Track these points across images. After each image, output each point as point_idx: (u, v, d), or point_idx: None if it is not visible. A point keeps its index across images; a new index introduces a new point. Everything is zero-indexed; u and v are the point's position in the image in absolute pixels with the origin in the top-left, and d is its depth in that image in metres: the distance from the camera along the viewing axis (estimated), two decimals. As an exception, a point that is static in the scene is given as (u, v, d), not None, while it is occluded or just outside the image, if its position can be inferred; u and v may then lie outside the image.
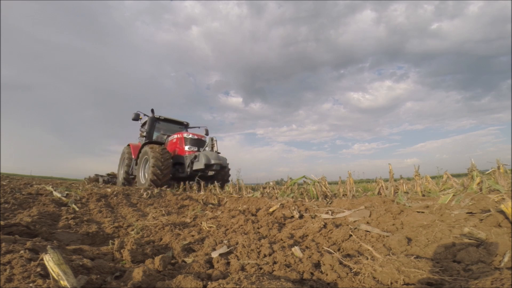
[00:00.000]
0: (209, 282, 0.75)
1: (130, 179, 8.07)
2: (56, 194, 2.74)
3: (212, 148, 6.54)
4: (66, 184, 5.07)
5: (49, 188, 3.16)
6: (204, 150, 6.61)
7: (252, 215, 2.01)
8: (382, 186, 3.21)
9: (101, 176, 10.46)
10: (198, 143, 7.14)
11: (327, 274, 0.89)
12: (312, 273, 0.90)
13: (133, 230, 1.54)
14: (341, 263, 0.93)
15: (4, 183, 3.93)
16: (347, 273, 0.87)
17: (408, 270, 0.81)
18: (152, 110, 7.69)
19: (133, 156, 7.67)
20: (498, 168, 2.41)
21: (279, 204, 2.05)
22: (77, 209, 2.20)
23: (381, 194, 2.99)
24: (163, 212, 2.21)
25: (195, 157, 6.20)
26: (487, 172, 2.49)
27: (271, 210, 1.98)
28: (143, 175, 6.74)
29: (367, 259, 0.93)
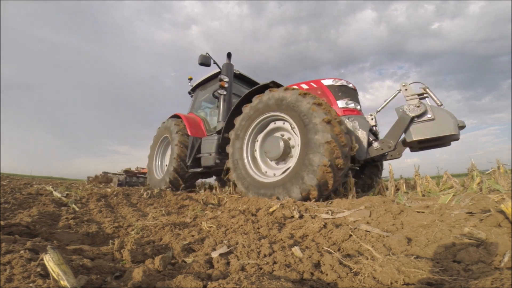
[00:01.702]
0: (209, 282, 0.75)
1: (188, 178, 4.68)
2: (56, 194, 2.74)
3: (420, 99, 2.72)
4: (66, 184, 5.07)
5: (49, 188, 3.16)
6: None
7: (252, 215, 2.01)
8: (382, 186, 3.21)
9: (116, 174, 7.72)
10: (355, 96, 3.42)
11: (327, 274, 0.89)
12: (312, 273, 0.90)
13: (133, 230, 1.54)
14: (341, 263, 0.93)
15: (4, 183, 3.93)
16: (347, 273, 0.87)
17: (408, 270, 0.81)
18: (229, 55, 4.59)
19: (189, 133, 4.57)
20: (498, 168, 2.41)
21: (279, 204, 2.05)
22: (77, 209, 2.20)
23: (381, 194, 2.99)
24: (163, 212, 2.21)
25: (422, 114, 2.54)
26: (487, 172, 2.49)
27: (271, 210, 1.97)
28: (265, 164, 3.11)
29: (367, 259, 0.93)
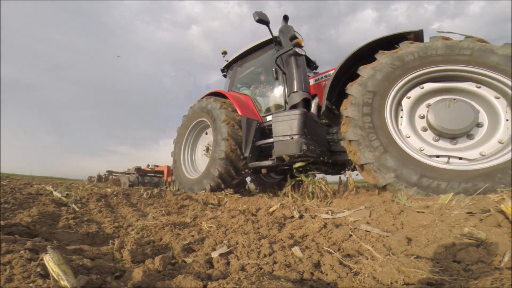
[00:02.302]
0: (209, 282, 0.75)
1: (243, 170, 3.53)
2: (56, 194, 2.74)
3: None
4: (66, 184, 5.07)
5: (49, 188, 3.16)
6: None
7: (252, 215, 2.01)
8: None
9: (124, 173, 6.64)
10: None
11: (327, 274, 0.89)
12: (312, 273, 0.90)
13: (133, 230, 1.54)
14: (341, 263, 0.93)
15: (4, 183, 3.93)
16: (347, 273, 0.87)
17: (408, 270, 0.81)
18: (286, 17, 3.66)
19: (240, 113, 3.57)
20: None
21: (279, 204, 2.05)
22: (77, 209, 2.20)
23: (381, 194, 2.99)
24: (163, 212, 2.21)
25: None
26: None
27: (271, 210, 1.98)
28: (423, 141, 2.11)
29: (367, 259, 0.93)
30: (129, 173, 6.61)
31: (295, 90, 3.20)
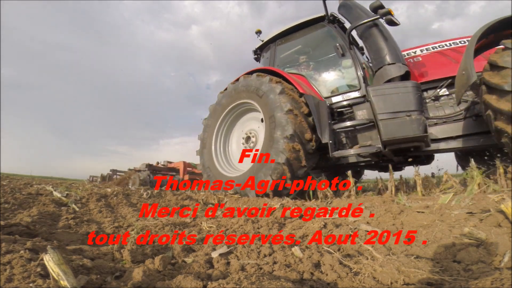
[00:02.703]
0: (209, 282, 0.75)
1: (312, 158, 2.94)
2: (56, 194, 2.74)
3: None
4: (66, 184, 5.06)
5: (49, 188, 3.16)
6: None
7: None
8: (382, 186, 3.21)
9: (139, 170, 5.73)
10: None
11: (327, 274, 0.89)
12: (312, 273, 0.90)
13: (133, 230, 1.54)
14: (341, 263, 0.93)
15: (4, 183, 3.93)
16: (347, 273, 0.87)
17: (408, 270, 0.81)
18: None
19: (300, 91, 2.94)
20: (498, 168, 2.41)
21: (279, 204, 2.05)
22: (77, 209, 2.20)
23: (381, 194, 2.99)
24: (163, 212, 2.21)
25: None
26: (487, 172, 2.49)
27: (271, 210, 1.97)
28: None
29: (367, 259, 0.93)
30: (139, 170, 5.88)
31: (390, 62, 2.68)
